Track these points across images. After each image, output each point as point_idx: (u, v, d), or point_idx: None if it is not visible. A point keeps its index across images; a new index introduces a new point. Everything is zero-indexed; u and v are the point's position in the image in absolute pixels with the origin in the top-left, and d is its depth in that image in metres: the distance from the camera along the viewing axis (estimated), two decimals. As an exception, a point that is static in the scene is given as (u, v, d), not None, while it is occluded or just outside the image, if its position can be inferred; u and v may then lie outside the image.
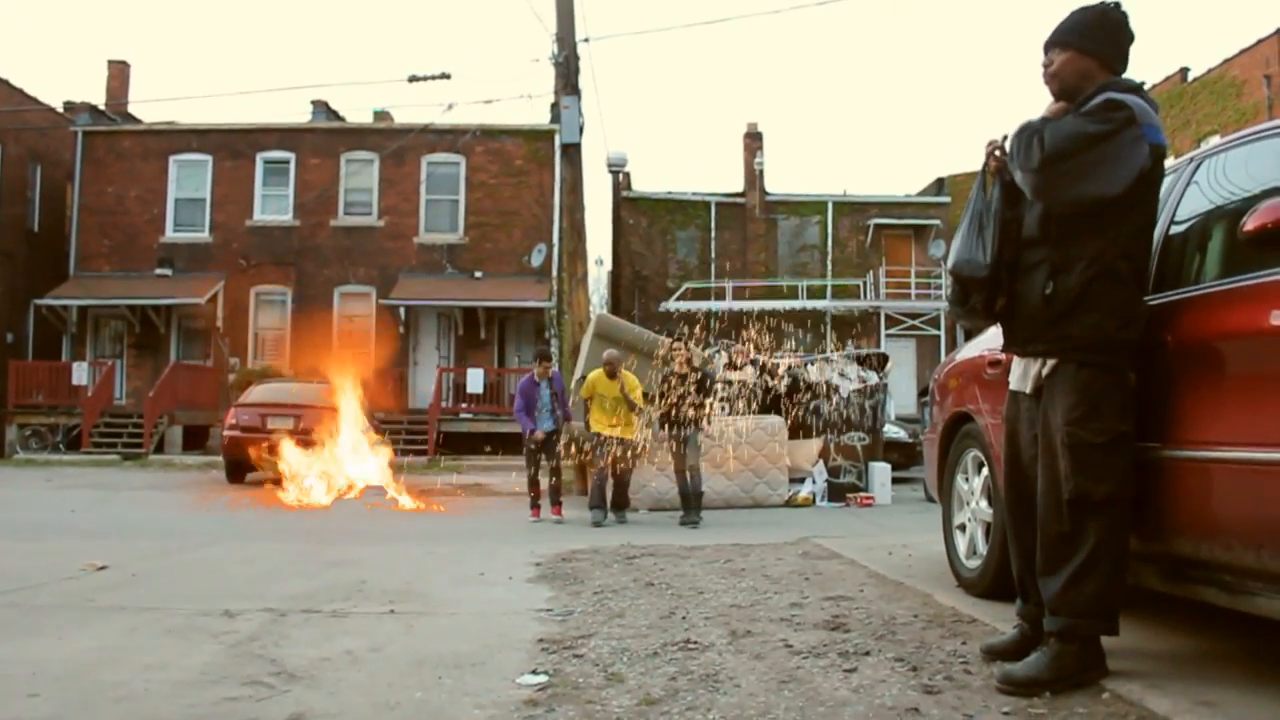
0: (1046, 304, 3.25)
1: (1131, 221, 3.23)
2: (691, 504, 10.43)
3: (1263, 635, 3.55)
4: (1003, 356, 4.06)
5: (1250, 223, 2.85)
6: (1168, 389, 3.25)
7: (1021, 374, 3.46)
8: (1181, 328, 3.25)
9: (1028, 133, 3.22)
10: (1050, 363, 3.29)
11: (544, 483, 10.88)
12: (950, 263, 3.59)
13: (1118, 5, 3.38)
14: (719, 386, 12.14)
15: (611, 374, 10.59)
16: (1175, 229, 3.59)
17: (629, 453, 10.72)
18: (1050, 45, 3.43)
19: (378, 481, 13.41)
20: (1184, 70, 29.86)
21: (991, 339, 4.48)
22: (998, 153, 3.47)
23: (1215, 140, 3.84)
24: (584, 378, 11.30)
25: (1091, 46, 3.35)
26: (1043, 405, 3.34)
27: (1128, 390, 3.21)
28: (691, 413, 10.50)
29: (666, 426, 10.66)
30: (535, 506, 10.82)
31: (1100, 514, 3.12)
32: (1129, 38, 3.39)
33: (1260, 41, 26.21)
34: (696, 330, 12.65)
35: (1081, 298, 3.19)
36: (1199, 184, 3.62)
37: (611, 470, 10.65)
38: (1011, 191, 3.42)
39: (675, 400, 10.50)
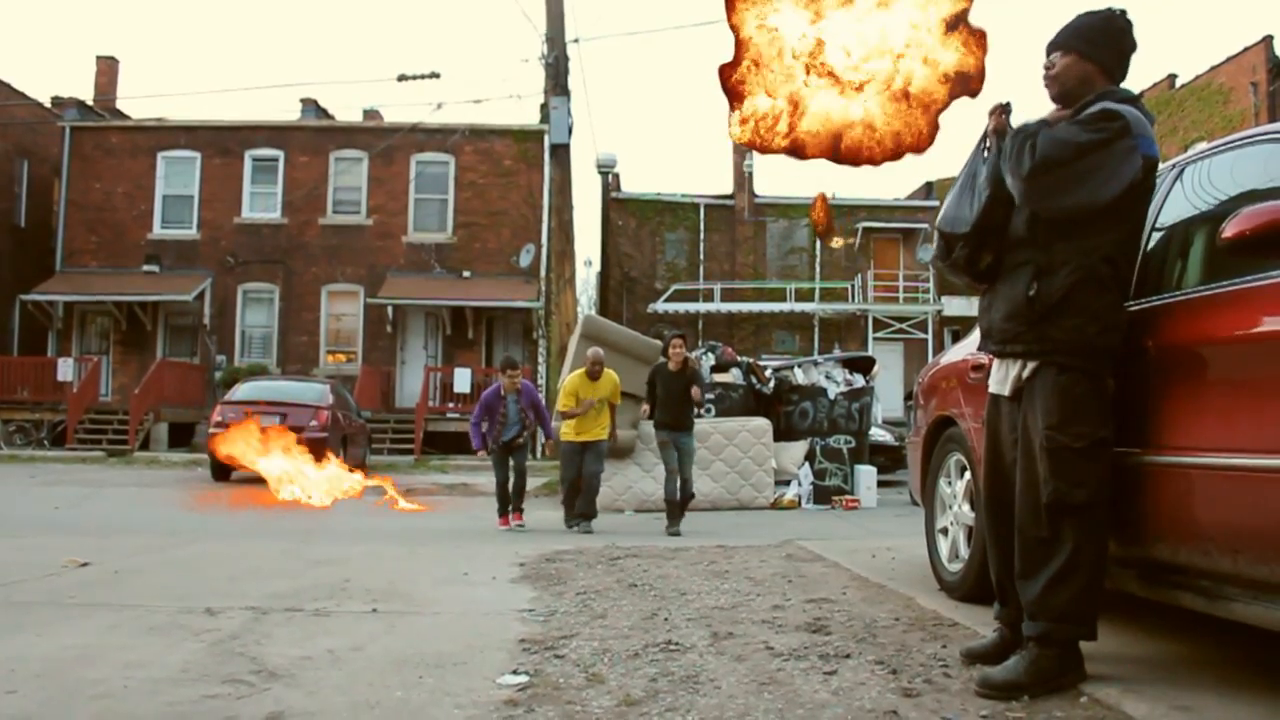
0: (1029, 306, 3.25)
1: (1119, 230, 3.25)
2: (678, 511, 9.95)
3: (1240, 640, 3.57)
4: (985, 360, 4.07)
5: (1228, 229, 2.86)
6: (1147, 394, 3.27)
7: (1002, 377, 3.47)
8: (1162, 333, 3.27)
9: (1021, 137, 3.23)
10: (1030, 366, 3.31)
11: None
12: (938, 219, 3.62)
13: (1123, 13, 3.37)
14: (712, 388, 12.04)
15: (596, 375, 9.93)
16: (1157, 235, 3.60)
17: (600, 455, 10.12)
18: (1053, 47, 3.44)
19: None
20: (1172, 77, 30.06)
21: (975, 343, 4.50)
22: (1002, 115, 3.45)
23: (1200, 146, 3.86)
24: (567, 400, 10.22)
25: (1093, 52, 3.36)
26: (1022, 409, 3.35)
27: (1106, 396, 3.23)
28: (688, 416, 10.07)
29: (663, 428, 10.10)
30: (504, 515, 10.08)
31: (1078, 518, 3.14)
32: (1131, 46, 3.40)
33: (1247, 49, 26.41)
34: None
35: (1064, 301, 3.20)
36: (1181, 190, 3.64)
37: (576, 481, 10.05)
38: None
39: (674, 400, 9.98)
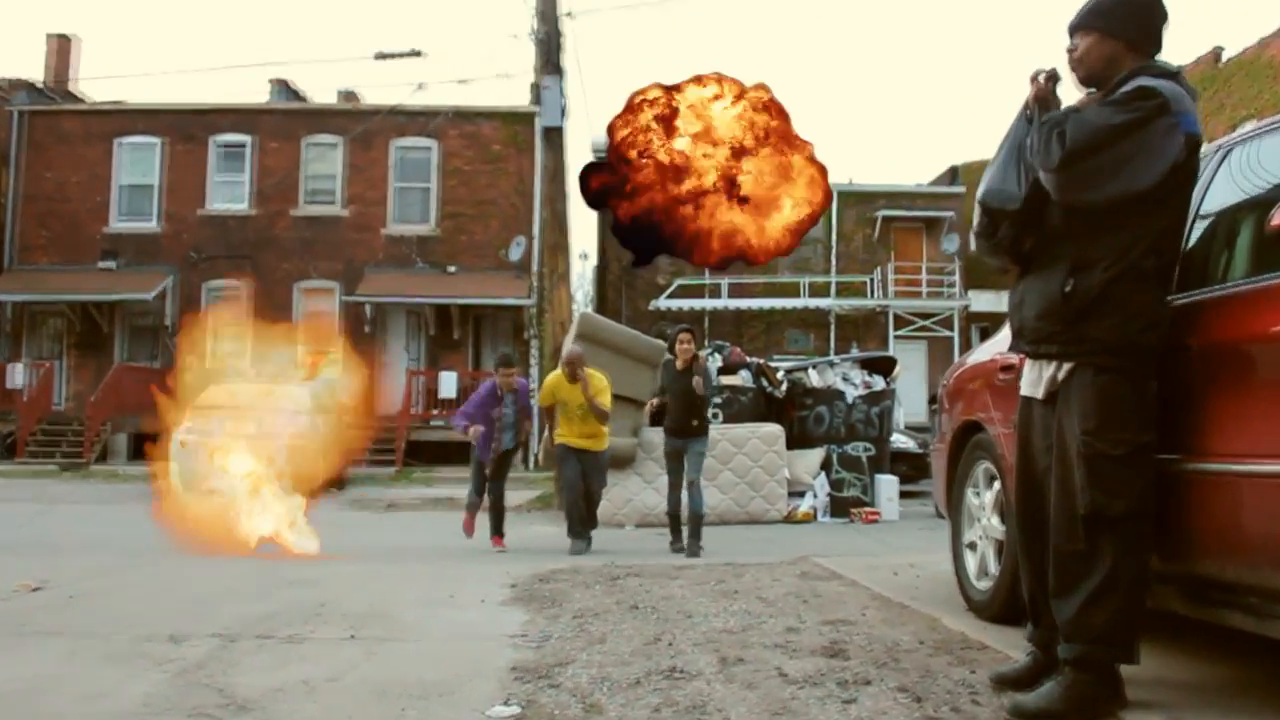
0: (1065, 302, 3.25)
1: (1162, 217, 3.24)
2: (688, 526, 9.68)
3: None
4: (1015, 360, 4.07)
5: (1277, 217, 2.87)
6: (1191, 396, 3.26)
7: (1035, 378, 3.47)
8: (1207, 330, 3.27)
9: (1049, 126, 3.22)
10: (1066, 367, 3.30)
11: (486, 502, 10.33)
12: (980, 192, 3.60)
13: None
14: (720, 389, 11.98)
15: (573, 377, 9.80)
16: (1201, 223, 3.60)
17: (601, 469, 10.21)
18: (1074, 29, 3.44)
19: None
20: (1217, 51, 29.99)
21: (1004, 341, 4.50)
22: (1042, 79, 3.43)
23: (1249, 126, 3.86)
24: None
25: (1116, 28, 3.36)
26: (1057, 413, 3.35)
27: (1149, 398, 3.22)
28: (696, 420, 9.80)
29: (668, 434, 9.95)
30: (474, 516, 10.28)
31: (1117, 531, 3.13)
32: (1161, 17, 3.39)
33: (1299, 20, 26.35)
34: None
35: (1103, 297, 3.19)
36: (1228, 174, 3.64)
37: (584, 491, 10.04)
38: None
39: (679, 402, 9.80)
